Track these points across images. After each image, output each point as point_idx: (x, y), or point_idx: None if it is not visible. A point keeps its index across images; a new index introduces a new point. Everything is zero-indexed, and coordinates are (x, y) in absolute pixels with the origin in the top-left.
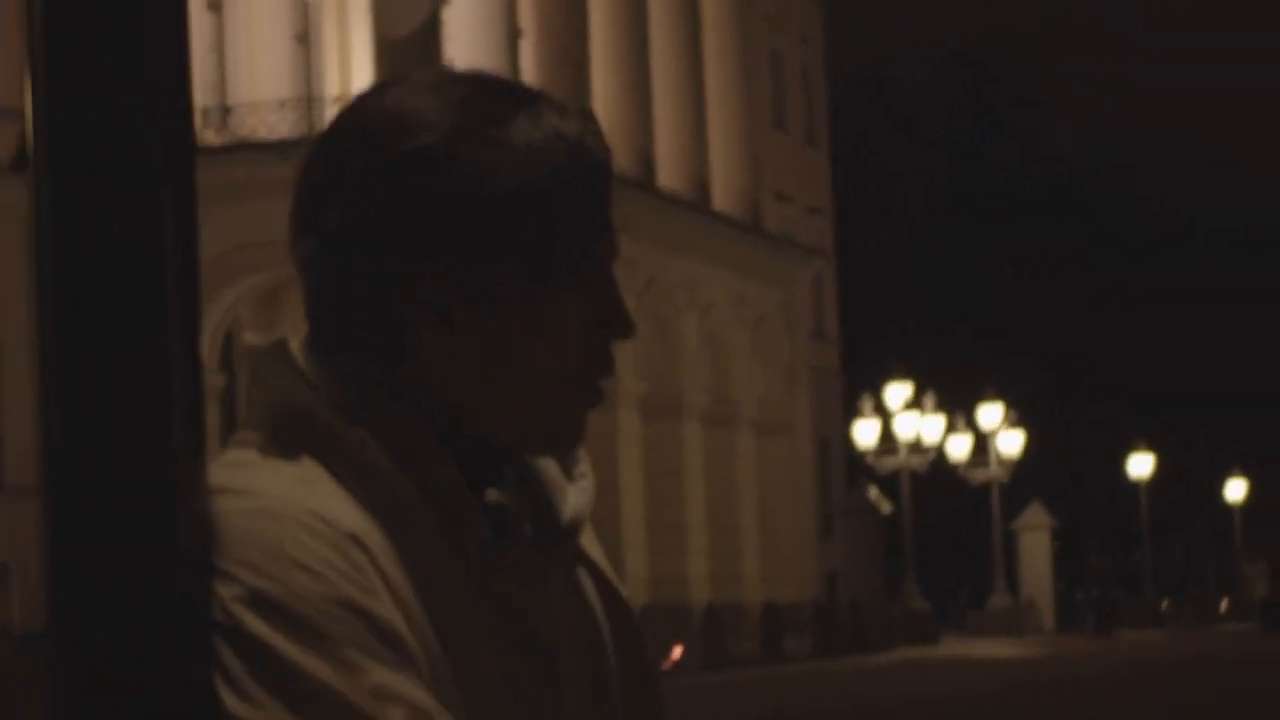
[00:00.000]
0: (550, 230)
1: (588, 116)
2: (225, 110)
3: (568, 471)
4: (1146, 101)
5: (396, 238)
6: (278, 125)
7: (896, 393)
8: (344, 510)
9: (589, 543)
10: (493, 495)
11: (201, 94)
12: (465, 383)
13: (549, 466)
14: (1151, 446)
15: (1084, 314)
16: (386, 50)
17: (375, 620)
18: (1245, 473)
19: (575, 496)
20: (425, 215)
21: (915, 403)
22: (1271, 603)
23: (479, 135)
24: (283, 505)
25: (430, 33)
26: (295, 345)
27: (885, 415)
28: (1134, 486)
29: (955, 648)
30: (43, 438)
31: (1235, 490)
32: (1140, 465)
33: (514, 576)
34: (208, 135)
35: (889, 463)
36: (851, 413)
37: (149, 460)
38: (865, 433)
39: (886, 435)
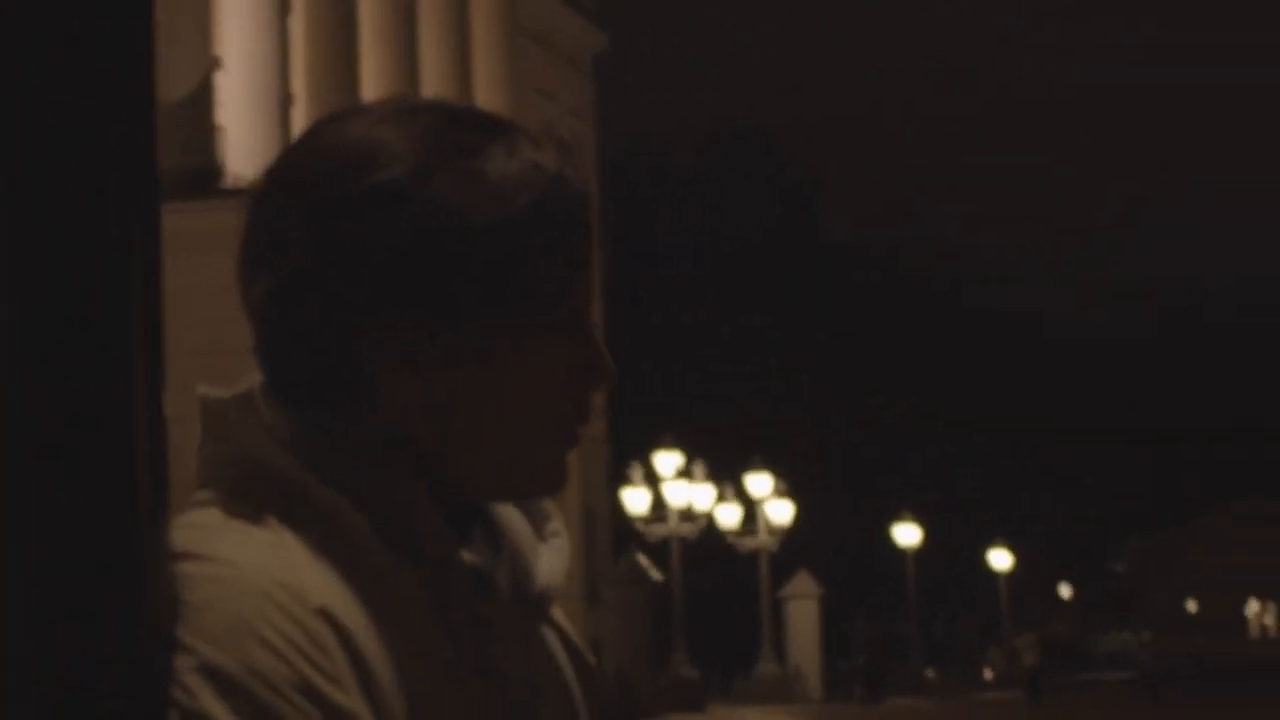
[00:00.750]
0: (528, 269)
1: (565, 148)
2: None
3: (539, 530)
4: (911, 187)
5: (362, 278)
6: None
7: (667, 461)
8: (314, 581)
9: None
10: (467, 556)
11: None
12: (435, 431)
13: (520, 526)
14: (918, 516)
15: (852, 384)
16: (159, 114)
17: (336, 711)
18: (1009, 543)
19: (549, 557)
20: (393, 253)
21: (685, 471)
22: (1039, 673)
23: (451, 167)
24: (249, 575)
25: (202, 97)
26: (257, 395)
27: (655, 483)
28: (901, 555)
29: (723, 716)
30: None
31: (1000, 560)
32: (907, 534)
33: (496, 639)
34: None
35: (659, 530)
36: (618, 481)
37: (112, 522)
38: (635, 500)
39: (657, 503)
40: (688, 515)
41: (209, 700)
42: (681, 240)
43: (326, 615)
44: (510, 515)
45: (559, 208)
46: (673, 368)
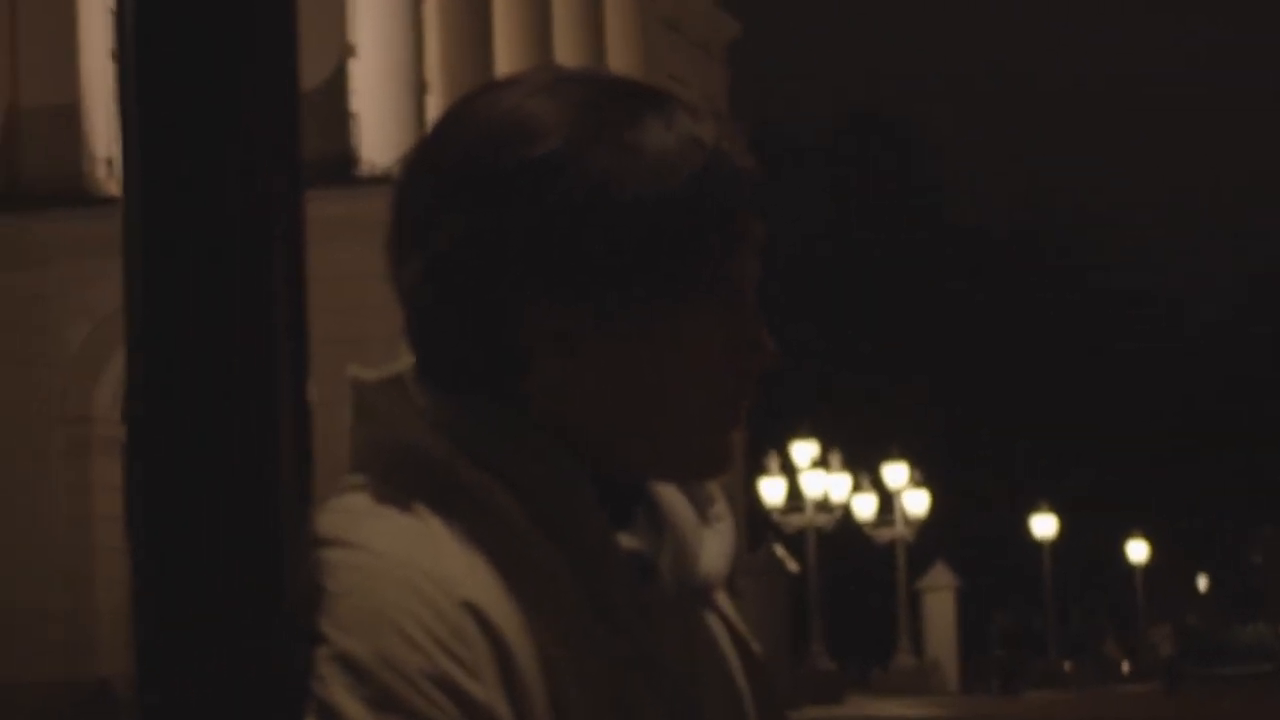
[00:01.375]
0: (688, 245)
1: (723, 120)
2: None
3: (702, 513)
4: (1045, 169)
5: (516, 256)
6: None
7: (803, 450)
8: (460, 572)
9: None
10: (627, 541)
11: (108, 144)
12: (591, 413)
13: (682, 509)
14: (1054, 508)
15: (988, 374)
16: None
17: (471, 704)
18: (1146, 534)
19: (713, 541)
20: (547, 230)
21: (821, 461)
22: (1176, 663)
23: (607, 140)
24: (392, 562)
25: (337, 84)
26: (410, 378)
27: (791, 473)
28: (1037, 547)
29: (861, 707)
30: (137, 482)
31: (1137, 551)
32: (1044, 526)
33: (657, 627)
34: (112, 186)
35: (795, 520)
36: (753, 471)
37: (255, 508)
38: (772, 490)
39: (793, 493)
40: (824, 505)
41: (339, 690)
42: (814, 226)
43: (471, 608)
44: (673, 497)
45: (718, 182)
46: (811, 356)
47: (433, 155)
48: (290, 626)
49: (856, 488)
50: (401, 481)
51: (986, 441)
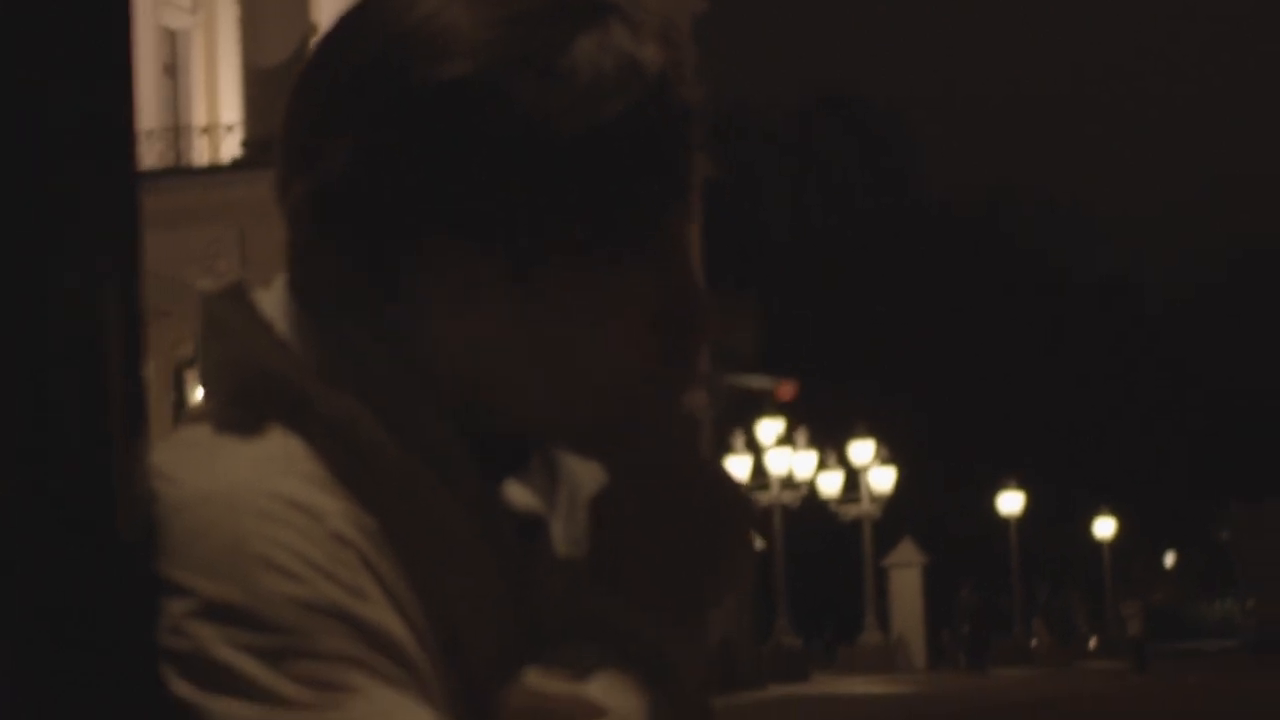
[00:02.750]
0: (620, 191)
1: (671, 40)
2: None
3: None
4: (1015, 149)
5: (416, 190)
6: (145, 155)
7: (768, 428)
8: (323, 495)
9: None
10: (516, 492)
11: None
12: (488, 371)
13: (583, 468)
14: (1021, 484)
15: (954, 352)
16: (256, 80)
17: (368, 627)
18: (1113, 511)
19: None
20: (456, 164)
21: (787, 439)
22: (1144, 641)
23: (532, 63)
24: (245, 491)
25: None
26: (265, 294)
27: (757, 451)
28: (1004, 523)
29: (826, 685)
30: None
31: (1104, 528)
32: (1010, 502)
33: (543, 592)
34: None
35: (761, 498)
36: (721, 449)
37: (78, 440)
38: (737, 468)
39: (758, 471)
40: (789, 483)
41: (220, 645)
42: (780, 206)
43: (339, 530)
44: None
45: (659, 118)
46: (773, 334)
47: (330, 62)
48: (128, 579)
49: (822, 465)
50: (249, 406)
51: (954, 418)
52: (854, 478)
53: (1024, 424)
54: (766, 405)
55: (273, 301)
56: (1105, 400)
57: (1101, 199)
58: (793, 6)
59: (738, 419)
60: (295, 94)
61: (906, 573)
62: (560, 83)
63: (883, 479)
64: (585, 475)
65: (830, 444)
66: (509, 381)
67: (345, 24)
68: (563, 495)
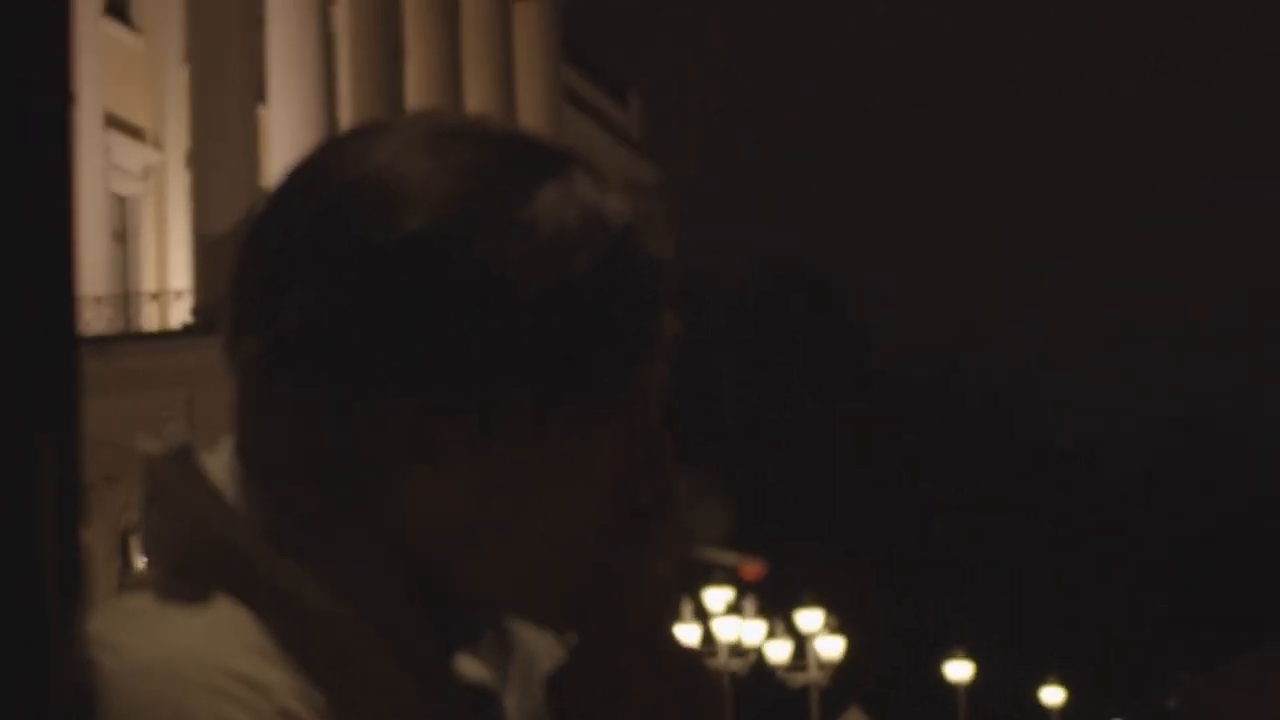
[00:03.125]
0: (584, 348)
1: (638, 192)
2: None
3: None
4: (965, 315)
5: (375, 344)
6: (93, 321)
7: (716, 596)
8: (270, 669)
9: None
10: (468, 665)
11: None
12: (445, 537)
13: (532, 631)
14: (969, 653)
15: (903, 521)
16: (205, 246)
17: None
18: (1061, 679)
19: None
20: (414, 322)
21: (735, 607)
22: None
23: (493, 215)
24: (189, 663)
25: None
26: (211, 458)
27: (705, 619)
28: (953, 690)
29: None
30: None
31: (1053, 695)
32: (958, 671)
33: None
34: None
35: (710, 665)
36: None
37: (9, 606)
38: (685, 636)
39: (707, 639)
40: (737, 650)
41: None
42: (727, 374)
43: (289, 717)
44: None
45: (625, 271)
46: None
47: (283, 213)
48: None
49: (771, 633)
50: (194, 575)
51: (903, 586)
52: (802, 645)
53: (972, 591)
54: (716, 574)
55: (219, 465)
56: (1055, 567)
57: (1061, 362)
58: (743, 177)
59: (684, 586)
60: (246, 247)
61: None
62: (522, 235)
63: (831, 647)
64: (540, 648)
65: (778, 611)
66: (467, 548)
67: (297, 176)
68: (516, 668)
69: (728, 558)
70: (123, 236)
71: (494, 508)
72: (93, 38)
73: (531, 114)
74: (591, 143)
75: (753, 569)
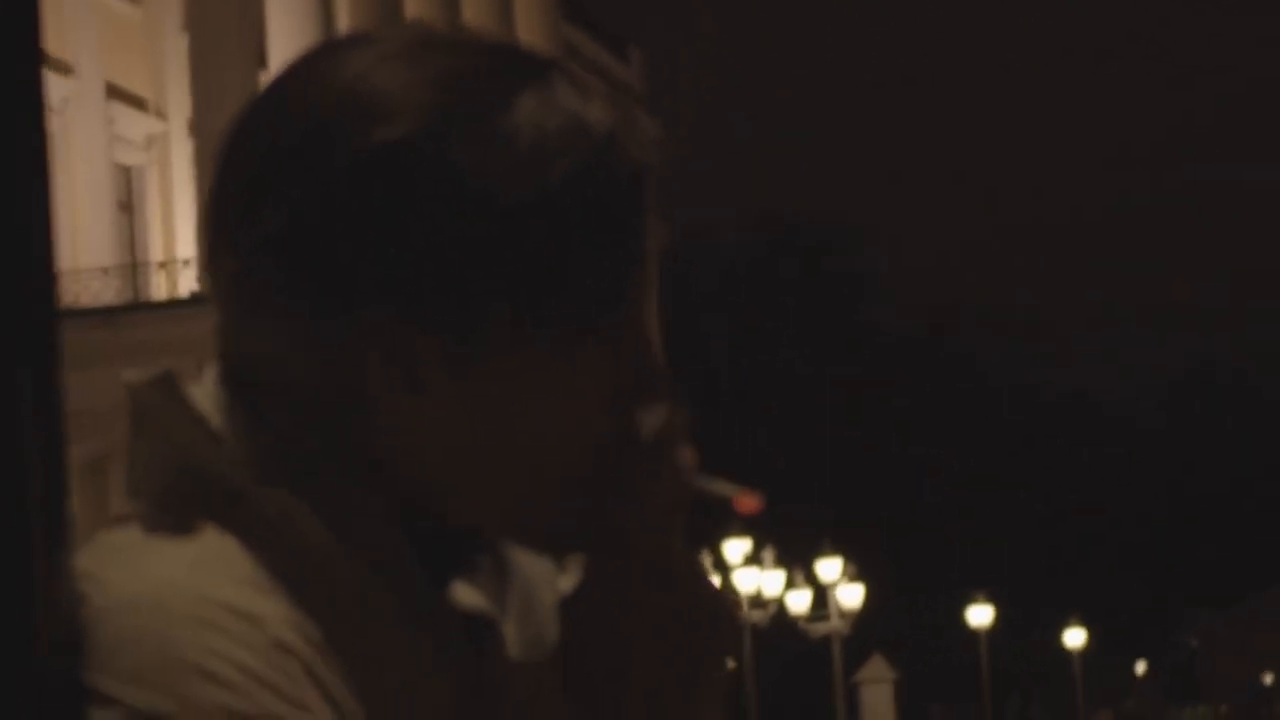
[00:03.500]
0: (566, 260)
1: (620, 100)
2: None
3: (559, 561)
4: (969, 271)
5: (356, 258)
6: (102, 292)
7: (735, 547)
8: (262, 599)
9: None
10: (465, 593)
11: None
12: (433, 459)
13: (534, 559)
14: (990, 597)
15: (919, 467)
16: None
17: None
18: (1083, 621)
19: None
20: (395, 231)
21: (754, 558)
22: None
23: (470, 125)
24: (177, 596)
25: None
26: (196, 387)
27: (724, 570)
28: (974, 636)
29: None
30: None
31: (1074, 638)
32: (979, 615)
33: (498, 701)
34: None
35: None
36: None
37: None
38: None
39: (726, 590)
40: (757, 602)
41: None
42: (736, 331)
43: (284, 649)
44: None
45: (608, 180)
46: (736, 455)
47: (260, 126)
48: (51, 691)
49: (790, 583)
50: (179, 506)
51: (921, 533)
52: (822, 595)
53: (991, 537)
54: (732, 523)
55: (204, 394)
56: (1071, 511)
57: (1059, 315)
58: (739, 133)
59: (703, 538)
60: (224, 160)
61: (878, 689)
62: (501, 143)
63: (851, 595)
64: (538, 575)
65: (797, 562)
66: (457, 469)
67: (274, 86)
68: (514, 595)
69: (724, 488)
70: (129, 207)
71: (478, 431)
72: (91, 8)
73: None
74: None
75: (749, 502)
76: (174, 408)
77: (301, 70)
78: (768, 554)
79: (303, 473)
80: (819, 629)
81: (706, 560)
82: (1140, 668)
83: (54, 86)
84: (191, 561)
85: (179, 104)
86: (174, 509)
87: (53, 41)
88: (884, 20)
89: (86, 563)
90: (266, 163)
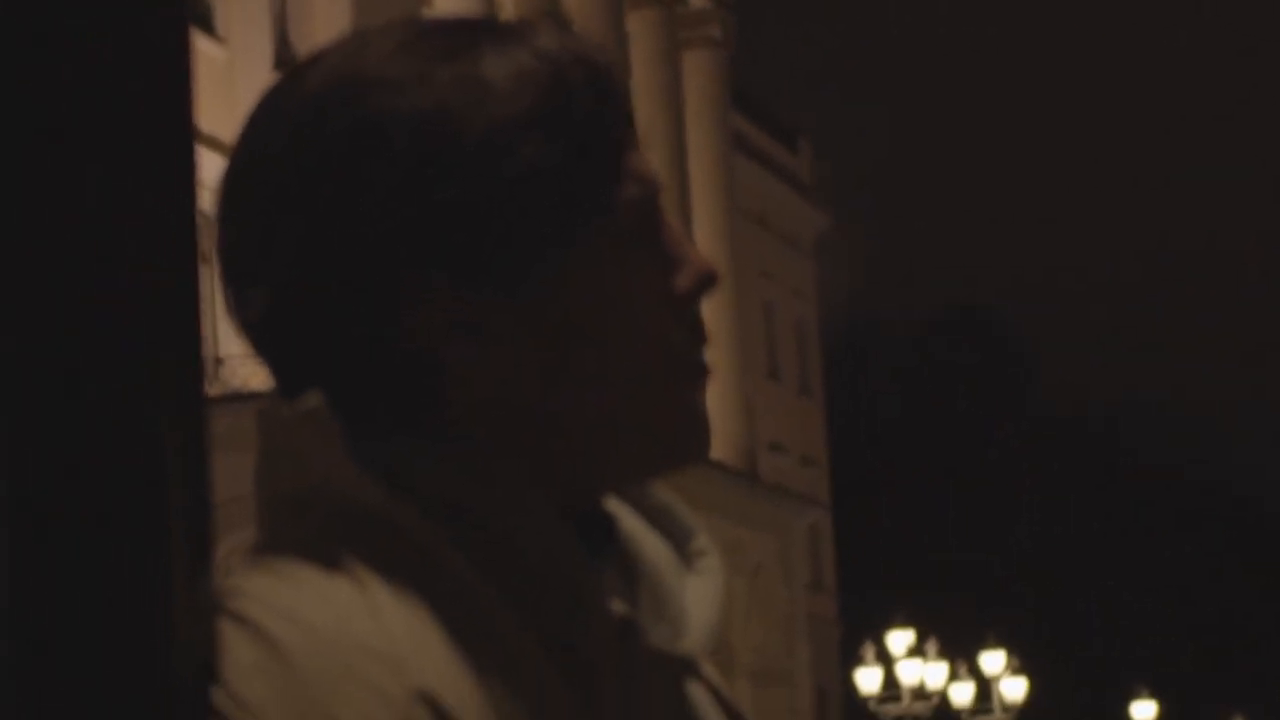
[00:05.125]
0: (567, 170)
1: (563, 26)
2: (218, 361)
3: (682, 552)
4: (1135, 358)
5: (380, 241)
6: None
7: (899, 639)
8: (411, 650)
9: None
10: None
11: None
12: (529, 409)
13: (657, 547)
14: (1154, 693)
15: (1083, 561)
16: None
17: None
18: (1246, 715)
19: (699, 589)
20: (402, 198)
21: (918, 650)
22: None
23: (444, 72)
24: (325, 640)
25: None
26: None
27: (888, 662)
28: None
29: None
30: None
31: None
32: (1143, 711)
33: (637, 706)
34: None
35: (892, 710)
36: (849, 661)
37: (132, 574)
38: (868, 680)
39: (889, 682)
40: (920, 694)
41: None
42: (904, 417)
43: (426, 698)
44: (644, 534)
45: (579, 86)
46: (902, 545)
47: (253, 151)
48: (183, 708)
49: (953, 675)
50: (328, 537)
51: (1086, 626)
52: (985, 688)
53: (1158, 630)
54: (896, 616)
55: (323, 417)
56: (1232, 603)
57: (1221, 406)
58: (912, 222)
59: (864, 631)
60: (224, 199)
61: None
62: (475, 83)
63: (1015, 689)
64: (665, 564)
65: (960, 654)
66: (559, 418)
67: (256, 114)
68: (645, 591)
69: None
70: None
71: (555, 360)
72: None
73: (701, 161)
74: (763, 189)
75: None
76: (324, 439)
77: (272, 97)
78: (931, 645)
79: (462, 497)
80: None
81: (870, 651)
82: None
83: (219, 169)
84: (341, 601)
85: None
86: (322, 543)
87: (221, 124)
88: (1045, 113)
89: (229, 596)
90: (268, 179)
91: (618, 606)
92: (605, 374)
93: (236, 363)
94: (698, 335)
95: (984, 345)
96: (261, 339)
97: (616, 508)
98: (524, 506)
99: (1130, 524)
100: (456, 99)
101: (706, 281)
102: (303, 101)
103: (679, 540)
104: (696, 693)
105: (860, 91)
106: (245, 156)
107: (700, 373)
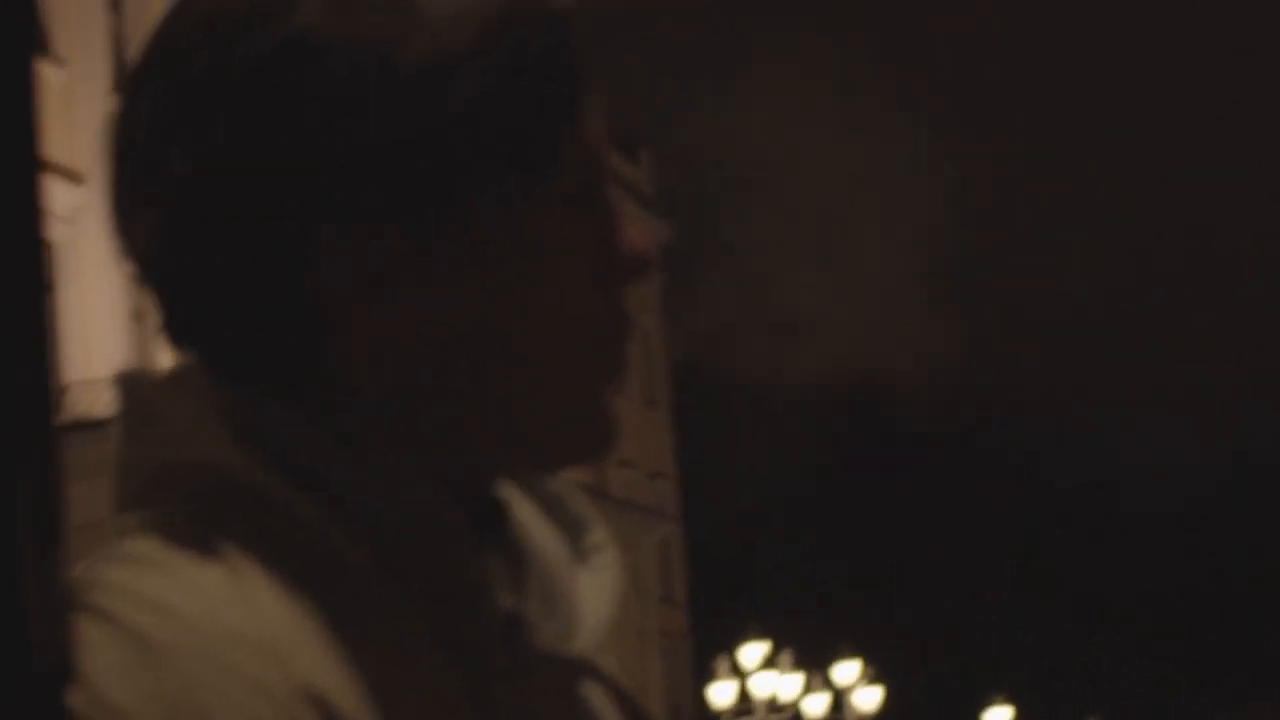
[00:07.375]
0: (503, 119)
1: None
2: (59, 389)
3: (575, 545)
4: (987, 372)
5: (280, 174)
6: (113, 403)
7: (752, 652)
8: (294, 640)
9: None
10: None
11: None
12: (428, 384)
13: (548, 538)
14: (1010, 698)
15: (936, 567)
16: None
17: None
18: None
19: (592, 583)
20: (315, 132)
21: (771, 661)
22: None
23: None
24: (199, 632)
25: None
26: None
27: (741, 675)
28: None
29: None
30: None
31: None
32: (998, 717)
33: (524, 695)
34: None
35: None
36: (703, 676)
37: None
38: (721, 694)
39: (743, 696)
40: (774, 706)
41: None
42: (756, 429)
43: (312, 695)
44: (535, 523)
45: (524, 27)
46: (758, 561)
47: (152, 66)
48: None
49: (808, 687)
50: (197, 517)
51: (939, 634)
52: (840, 698)
53: (1011, 636)
54: (751, 628)
55: (192, 381)
56: (1091, 608)
57: (1089, 405)
58: (754, 232)
59: (718, 645)
60: (119, 117)
61: None
62: (406, 13)
63: (869, 698)
64: (556, 557)
65: (816, 665)
66: (458, 397)
67: (163, 23)
68: (534, 583)
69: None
70: (140, 316)
71: (466, 333)
72: (102, 115)
73: None
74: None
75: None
76: (191, 406)
77: (183, 4)
78: (785, 657)
79: (336, 471)
80: None
81: (724, 663)
82: None
83: (64, 196)
84: (214, 588)
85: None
86: (191, 522)
87: (62, 150)
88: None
89: (89, 585)
90: (165, 98)
91: (506, 599)
92: (517, 354)
93: (79, 388)
94: (623, 325)
95: (830, 362)
96: (148, 272)
97: (509, 492)
98: (404, 483)
99: (983, 530)
100: (394, 25)
101: (641, 266)
102: (219, 11)
103: (573, 532)
104: (593, 693)
105: (703, 101)
106: (154, 54)
107: (619, 368)
